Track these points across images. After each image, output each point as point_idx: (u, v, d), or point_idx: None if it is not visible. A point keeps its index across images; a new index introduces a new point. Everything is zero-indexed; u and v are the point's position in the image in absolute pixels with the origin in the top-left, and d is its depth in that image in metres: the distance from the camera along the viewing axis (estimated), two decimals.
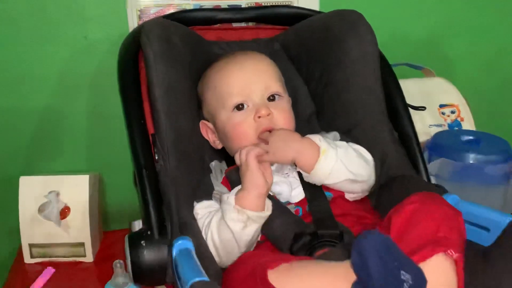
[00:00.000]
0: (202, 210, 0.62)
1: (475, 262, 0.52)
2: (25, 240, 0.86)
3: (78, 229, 0.86)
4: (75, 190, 0.86)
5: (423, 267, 0.47)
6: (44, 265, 0.86)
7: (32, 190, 0.85)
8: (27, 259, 0.87)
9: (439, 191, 0.62)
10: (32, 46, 0.86)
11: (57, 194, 0.84)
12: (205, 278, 0.43)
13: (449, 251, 0.48)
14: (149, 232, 0.59)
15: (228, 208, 0.57)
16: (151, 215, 0.60)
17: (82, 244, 0.86)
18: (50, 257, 0.86)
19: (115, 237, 0.93)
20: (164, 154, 0.64)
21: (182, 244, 0.51)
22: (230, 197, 0.58)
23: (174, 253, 0.51)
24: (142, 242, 0.58)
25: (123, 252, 0.63)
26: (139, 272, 0.59)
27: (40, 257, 0.86)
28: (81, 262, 0.86)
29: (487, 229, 0.53)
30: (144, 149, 0.65)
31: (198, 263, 0.47)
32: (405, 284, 0.41)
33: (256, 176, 0.58)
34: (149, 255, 0.58)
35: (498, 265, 0.50)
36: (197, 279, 0.42)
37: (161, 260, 0.58)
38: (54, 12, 0.85)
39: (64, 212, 0.85)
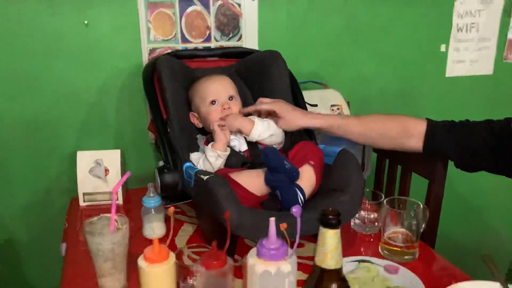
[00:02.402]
0: (195, 155, 1.17)
1: (325, 171, 1.10)
2: (81, 190, 1.36)
3: (114, 183, 1.37)
4: (112, 159, 1.38)
5: (300, 169, 1.05)
6: (91, 206, 1.38)
7: (85, 159, 1.36)
8: (81, 203, 1.37)
9: (316, 144, 1.21)
10: (84, 71, 1.40)
11: (102, 161, 1.37)
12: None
13: (311, 162, 1.06)
14: (167, 165, 1.14)
15: (208, 150, 1.13)
16: (169, 157, 1.15)
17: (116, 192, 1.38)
18: (95, 201, 1.38)
19: (131, 192, 1.46)
20: (172, 128, 1.19)
21: (188, 163, 1.07)
22: (209, 145, 1.14)
23: (184, 167, 1.06)
24: (165, 170, 1.13)
25: (139, 200, 1.16)
26: (163, 187, 1.13)
27: (89, 201, 1.37)
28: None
29: (332, 156, 1.11)
30: (162, 125, 1.20)
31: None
32: (286, 166, 0.99)
33: (219, 135, 1.14)
34: (168, 177, 1.12)
35: (333, 171, 1.08)
36: (198, 169, 0.98)
37: (174, 180, 1.12)
38: (98, 50, 1.39)
39: (106, 172, 1.38)
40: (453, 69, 1.80)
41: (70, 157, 1.43)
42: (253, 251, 0.67)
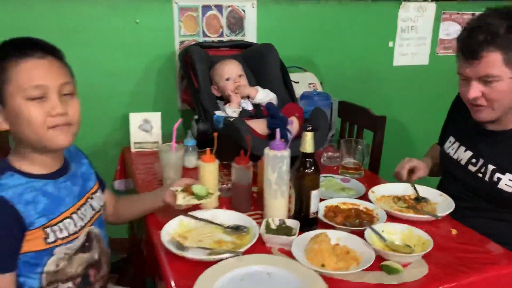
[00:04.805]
0: (218, 112, 1.74)
1: (306, 121, 1.69)
2: (132, 140, 1.91)
3: (156, 135, 1.94)
4: (155, 118, 1.93)
5: (289, 119, 1.64)
6: (139, 152, 1.93)
7: (135, 118, 1.92)
8: (132, 150, 1.92)
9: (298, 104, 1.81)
10: (133, 56, 1.96)
11: (148, 119, 1.93)
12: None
13: (296, 114, 1.66)
14: (201, 118, 1.71)
15: (227, 107, 1.71)
16: (201, 113, 1.72)
17: (156, 142, 1.94)
18: (142, 148, 1.93)
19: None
20: (202, 94, 1.77)
21: (216, 115, 1.65)
22: (227, 104, 1.73)
23: (215, 117, 1.64)
24: (200, 120, 1.70)
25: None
26: (198, 133, 1.70)
27: (138, 148, 1.93)
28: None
29: (308, 112, 1.71)
30: (195, 92, 1.77)
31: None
32: (281, 115, 1.58)
33: (233, 97, 1.73)
34: (201, 126, 1.69)
35: (309, 121, 1.68)
36: (223, 116, 1.57)
37: (206, 127, 1.69)
38: (144, 41, 1.96)
39: (151, 127, 1.94)
40: (398, 60, 2.42)
41: (122, 119, 1.98)
42: (267, 148, 1.24)
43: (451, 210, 1.33)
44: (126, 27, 1.91)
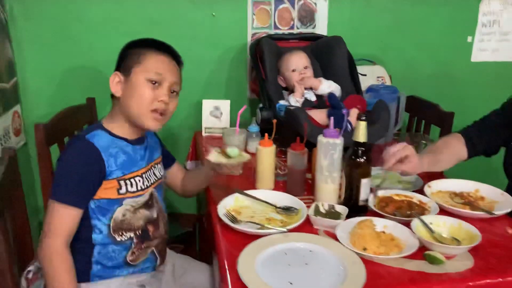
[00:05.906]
0: (282, 101, 1.82)
1: (367, 113, 1.71)
2: (204, 125, 2.06)
3: (225, 122, 2.07)
4: (225, 105, 2.06)
5: (350, 110, 1.68)
6: (210, 136, 2.08)
7: (207, 105, 2.06)
8: (203, 134, 2.06)
9: (362, 96, 1.83)
10: (208, 47, 2.10)
11: (219, 106, 2.07)
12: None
13: (358, 106, 1.68)
14: (265, 107, 1.81)
15: (290, 97, 1.79)
16: (266, 102, 1.81)
17: (225, 127, 2.07)
18: (212, 133, 2.08)
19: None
20: (269, 84, 1.86)
21: (279, 104, 1.73)
22: (291, 94, 1.80)
23: (277, 106, 1.73)
24: (264, 108, 1.80)
25: None
26: (262, 119, 1.80)
27: (208, 133, 2.07)
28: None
29: (372, 105, 1.72)
30: (262, 82, 1.86)
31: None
32: (342, 104, 1.62)
33: (298, 88, 1.79)
34: (264, 114, 1.79)
35: (371, 113, 1.69)
36: (285, 104, 1.64)
37: (269, 115, 1.78)
38: (219, 33, 2.09)
39: (221, 113, 2.08)
40: (477, 56, 2.31)
41: (195, 105, 2.14)
42: (320, 135, 1.30)
43: (510, 210, 1.29)
44: (203, 20, 2.06)
